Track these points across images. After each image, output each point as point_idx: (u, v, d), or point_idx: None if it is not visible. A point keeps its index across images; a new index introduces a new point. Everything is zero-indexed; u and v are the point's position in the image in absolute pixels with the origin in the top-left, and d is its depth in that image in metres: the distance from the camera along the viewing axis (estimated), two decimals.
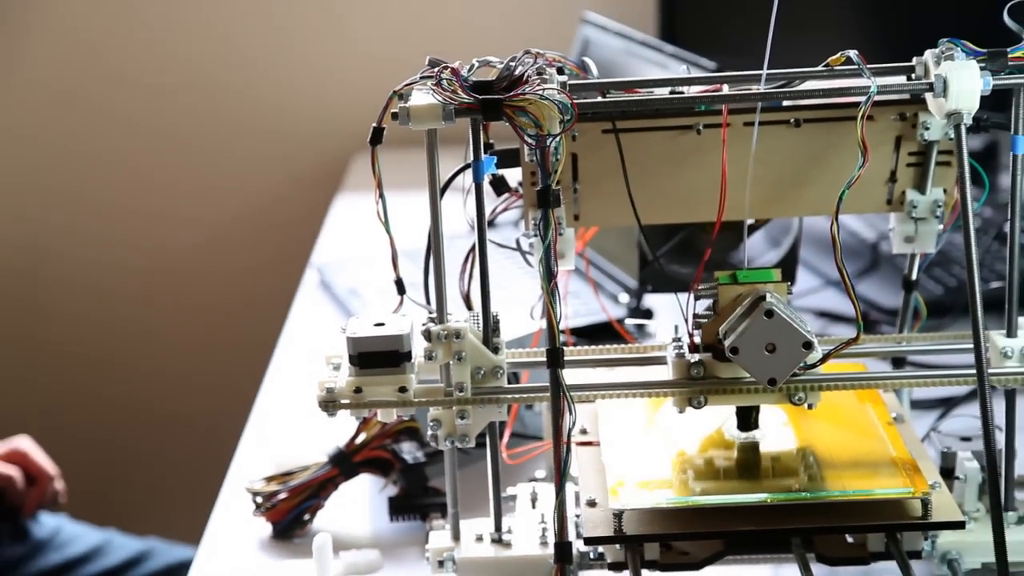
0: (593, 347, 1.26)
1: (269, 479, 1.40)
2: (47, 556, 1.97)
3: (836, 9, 2.20)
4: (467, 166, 1.16)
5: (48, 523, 2.01)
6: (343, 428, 1.37)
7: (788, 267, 1.54)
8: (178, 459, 2.64)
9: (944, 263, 1.85)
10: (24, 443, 2.00)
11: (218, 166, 2.67)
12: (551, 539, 1.20)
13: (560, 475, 1.09)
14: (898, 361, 1.38)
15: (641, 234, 1.53)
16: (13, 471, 1.96)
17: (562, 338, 1.32)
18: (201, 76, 2.63)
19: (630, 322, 1.71)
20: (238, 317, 2.65)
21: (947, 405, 1.51)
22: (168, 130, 2.66)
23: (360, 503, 1.41)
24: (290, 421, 1.59)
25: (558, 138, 1.11)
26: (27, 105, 2.65)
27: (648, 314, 1.74)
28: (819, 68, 1.15)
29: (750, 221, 1.41)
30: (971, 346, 1.11)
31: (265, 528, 1.38)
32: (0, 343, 2.76)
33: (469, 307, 1.23)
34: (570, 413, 1.10)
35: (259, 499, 1.39)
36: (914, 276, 1.31)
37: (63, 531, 2.01)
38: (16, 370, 2.77)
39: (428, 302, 1.19)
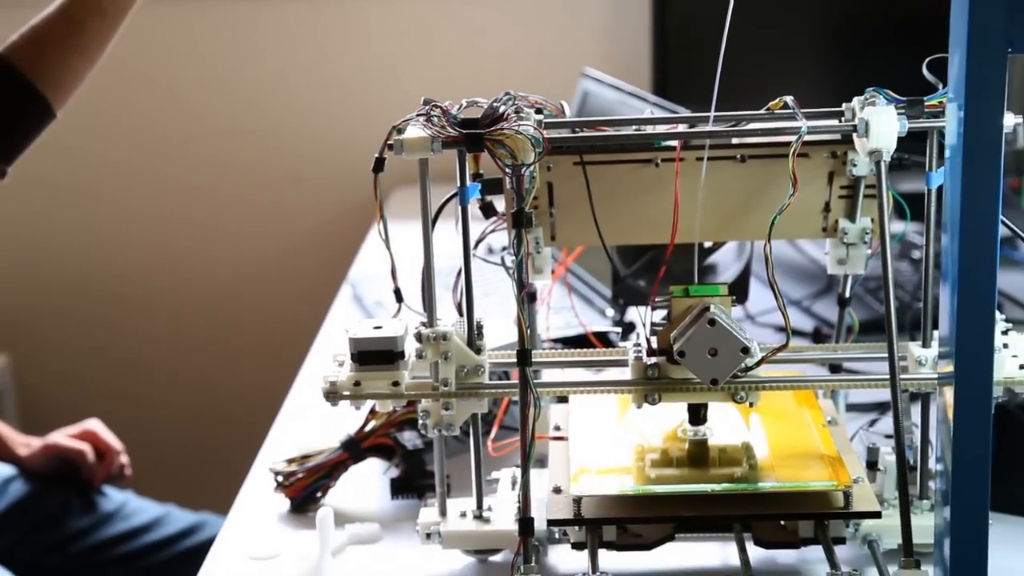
0: (561, 351, 1.25)
1: (289, 461, 1.39)
2: (115, 525, 1.97)
3: (797, 59, 2.19)
4: (456, 193, 1.16)
5: (116, 497, 2.00)
6: (354, 419, 1.36)
7: (742, 282, 1.51)
8: (226, 444, 2.61)
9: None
10: (94, 424, 2.00)
11: (273, 199, 2.69)
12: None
13: (525, 459, 1.08)
14: (834, 368, 1.36)
15: (611, 253, 1.52)
16: (84, 446, 1.96)
17: (546, 346, 1.30)
18: (268, 124, 2.65)
19: (607, 330, 1.69)
20: (282, 325, 2.63)
21: (881, 409, 1.49)
22: (238, 167, 2.69)
23: (367, 483, 1.39)
24: (313, 413, 1.58)
25: (531, 167, 1.10)
26: (117, 157, 2.69)
27: (631, 327, 1.71)
28: (761, 112, 1.14)
29: (708, 244, 1.40)
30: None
31: (284, 503, 1.37)
32: (90, 347, 2.80)
33: (461, 315, 1.22)
34: (536, 406, 1.09)
35: (280, 478, 1.38)
36: (847, 294, 1.29)
37: (129, 504, 2.00)
38: (95, 368, 2.80)
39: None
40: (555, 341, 1.58)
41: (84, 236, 2.73)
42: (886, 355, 1.18)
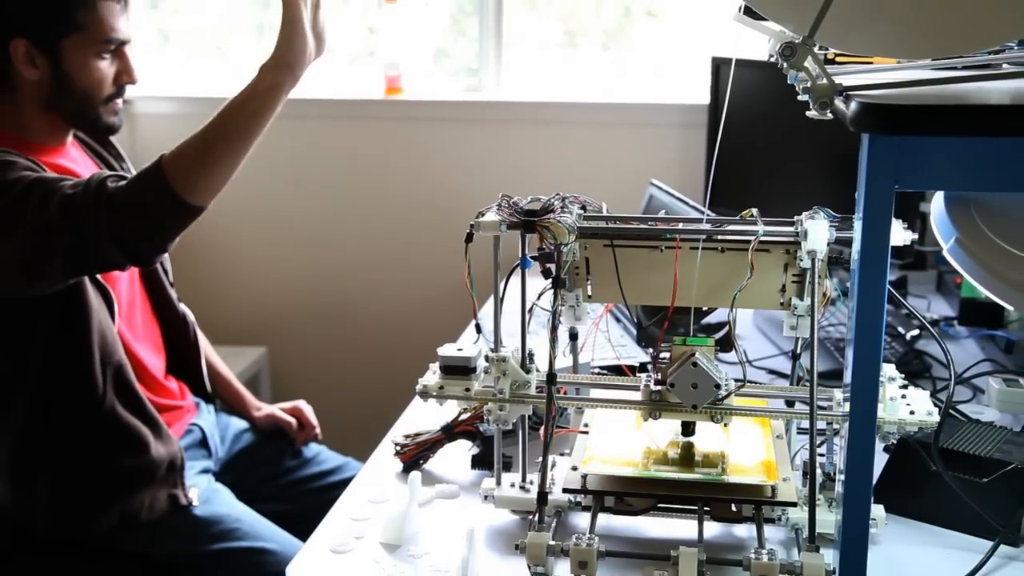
0: (582, 375, 1.23)
1: (406, 436, 1.39)
2: (310, 468, 1.99)
3: (812, 181, 2.12)
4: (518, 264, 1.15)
5: (313, 448, 2.02)
6: (451, 412, 1.36)
7: (727, 337, 1.46)
8: (386, 420, 2.67)
9: (839, 348, 1.75)
10: (301, 403, 2.02)
11: (435, 259, 2.72)
12: (552, 489, 1.17)
13: (545, 447, 1.07)
14: (789, 403, 1.30)
15: (636, 310, 1.49)
16: (291, 419, 1.99)
17: (596, 371, 1.26)
18: (445, 213, 2.68)
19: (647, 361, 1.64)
20: (427, 345, 2.67)
21: (823, 432, 1.41)
22: (417, 237, 2.73)
23: (456, 457, 1.38)
24: (425, 408, 1.57)
25: (568, 246, 1.09)
26: (349, 217, 2.76)
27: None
28: (735, 218, 1.11)
29: (705, 307, 1.36)
30: (822, 396, 1.07)
31: (398, 465, 1.37)
32: (315, 346, 2.86)
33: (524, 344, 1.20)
34: (557, 414, 1.08)
35: (397, 447, 1.38)
36: (798, 351, 1.24)
37: (321, 454, 2.02)
38: (319, 360, 2.86)
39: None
40: (600, 368, 1.55)
41: (323, 268, 2.81)
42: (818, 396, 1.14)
